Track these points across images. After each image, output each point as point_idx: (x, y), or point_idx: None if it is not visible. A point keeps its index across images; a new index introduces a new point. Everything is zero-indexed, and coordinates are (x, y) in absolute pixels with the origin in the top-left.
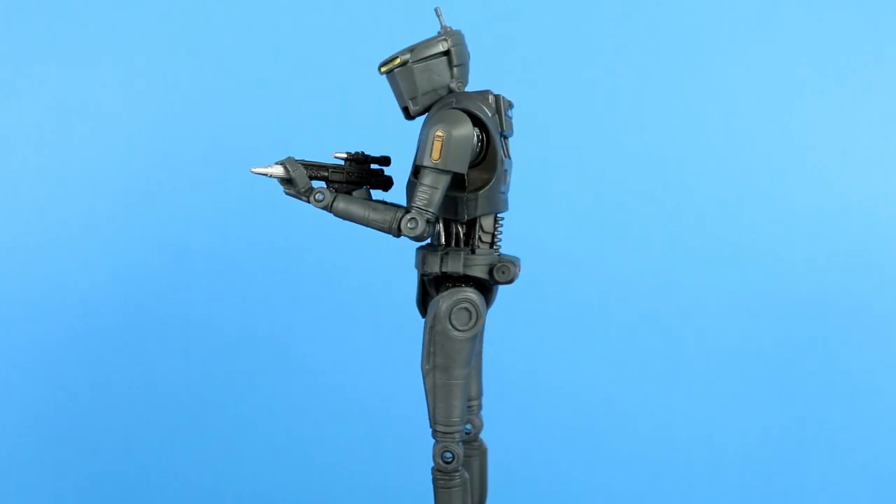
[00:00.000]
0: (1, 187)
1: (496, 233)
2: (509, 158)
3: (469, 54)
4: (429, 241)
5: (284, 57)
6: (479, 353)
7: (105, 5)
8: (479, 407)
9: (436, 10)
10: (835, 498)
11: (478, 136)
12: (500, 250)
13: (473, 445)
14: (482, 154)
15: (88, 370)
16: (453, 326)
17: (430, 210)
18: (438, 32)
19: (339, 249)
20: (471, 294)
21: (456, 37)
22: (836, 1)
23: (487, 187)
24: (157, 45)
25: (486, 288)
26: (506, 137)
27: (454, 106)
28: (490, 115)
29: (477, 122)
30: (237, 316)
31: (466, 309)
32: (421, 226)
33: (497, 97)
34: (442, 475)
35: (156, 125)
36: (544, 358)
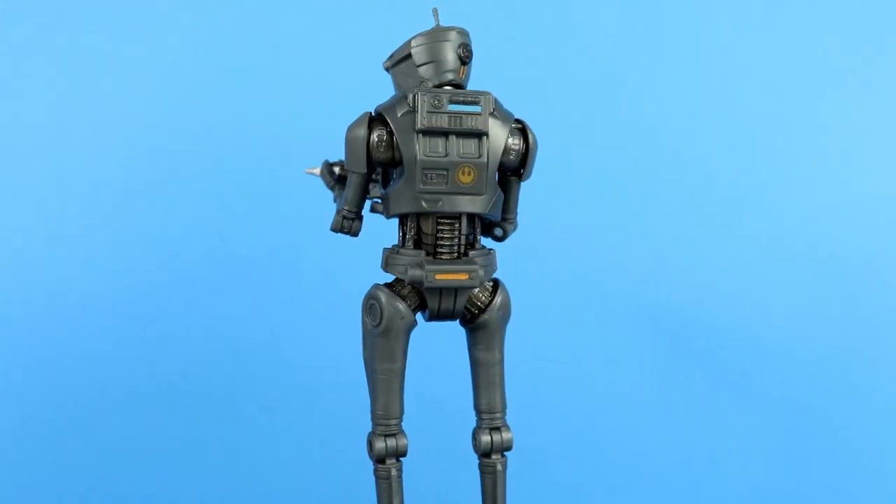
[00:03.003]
0: (1, 187)
1: (438, 234)
2: (442, 156)
3: (446, 50)
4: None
5: (289, 56)
6: (494, 364)
7: (105, 6)
8: (494, 423)
9: (433, 10)
10: (835, 498)
11: (380, 135)
12: (477, 254)
13: (484, 463)
14: (394, 153)
15: (88, 369)
16: (367, 321)
17: (346, 207)
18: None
19: (340, 249)
20: (377, 291)
21: (421, 37)
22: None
23: (397, 186)
24: (158, 45)
25: (417, 290)
26: (445, 134)
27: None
28: (399, 114)
29: (381, 122)
30: (236, 316)
31: (373, 305)
32: (335, 221)
33: (415, 94)
34: (373, 463)
35: (156, 126)
36: (555, 360)
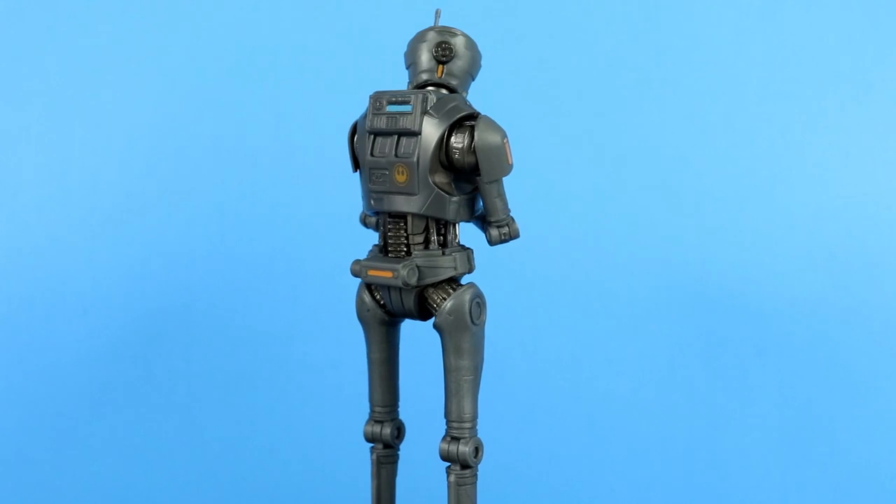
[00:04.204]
0: (1, 187)
1: (388, 233)
2: (383, 157)
3: (422, 51)
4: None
5: (290, 57)
6: (458, 371)
7: (106, 6)
8: (458, 434)
9: (436, 11)
10: (834, 498)
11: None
12: (422, 254)
13: (447, 470)
14: None
15: (87, 369)
16: None
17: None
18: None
19: (341, 249)
20: (359, 284)
21: (409, 41)
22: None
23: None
24: (158, 45)
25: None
26: (390, 134)
27: None
28: (362, 118)
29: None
30: (237, 316)
31: None
32: (360, 216)
33: (371, 97)
34: None
35: (156, 126)
36: (540, 357)
